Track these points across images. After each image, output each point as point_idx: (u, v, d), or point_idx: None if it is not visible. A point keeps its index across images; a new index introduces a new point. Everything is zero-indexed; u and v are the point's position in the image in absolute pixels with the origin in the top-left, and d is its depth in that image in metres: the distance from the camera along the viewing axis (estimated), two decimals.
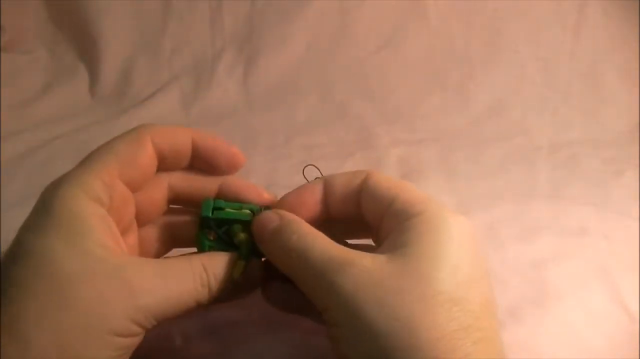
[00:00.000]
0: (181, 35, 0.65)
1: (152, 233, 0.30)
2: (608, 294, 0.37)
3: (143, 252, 0.30)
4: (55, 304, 0.22)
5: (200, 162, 0.30)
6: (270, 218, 0.27)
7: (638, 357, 0.33)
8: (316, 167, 0.32)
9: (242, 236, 0.28)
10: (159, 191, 0.30)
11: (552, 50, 0.66)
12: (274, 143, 0.55)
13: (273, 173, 0.50)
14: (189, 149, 0.29)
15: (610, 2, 0.66)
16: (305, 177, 0.32)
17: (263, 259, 0.29)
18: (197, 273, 0.26)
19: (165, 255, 0.31)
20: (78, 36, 0.65)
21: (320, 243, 0.25)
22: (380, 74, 0.65)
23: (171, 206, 0.31)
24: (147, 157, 0.28)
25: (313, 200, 0.29)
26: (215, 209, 0.29)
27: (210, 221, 0.28)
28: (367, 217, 0.29)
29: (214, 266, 0.26)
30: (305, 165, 0.32)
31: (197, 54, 0.65)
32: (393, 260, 0.24)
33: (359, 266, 0.24)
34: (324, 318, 0.24)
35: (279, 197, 0.30)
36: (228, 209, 0.29)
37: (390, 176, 0.29)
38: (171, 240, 0.31)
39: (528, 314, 0.35)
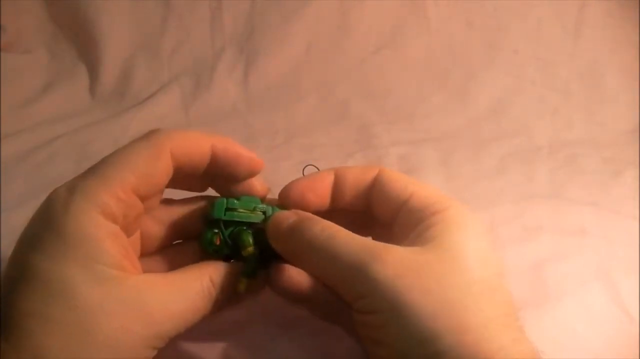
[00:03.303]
0: (181, 35, 0.65)
1: (153, 229, 0.30)
2: (608, 295, 0.37)
3: (144, 247, 0.29)
4: (80, 339, 0.22)
5: (218, 169, 0.28)
6: (286, 215, 0.27)
7: (638, 357, 0.33)
8: (316, 167, 0.32)
9: (250, 250, 0.27)
10: None
11: (552, 50, 0.66)
12: (274, 143, 0.55)
13: (273, 173, 0.49)
14: (207, 159, 0.28)
15: (611, 2, 0.66)
16: None
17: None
18: (206, 289, 0.26)
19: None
20: (78, 36, 0.65)
21: (346, 235, 0.25)
22: (380, 74, 0.65)
23: (173, 199, 0.31)
24: (164, 171, 0.26)
25: (323, 189, 0.29)
26: (227, 209, 0.28)
27: (220, 223, 0.28)
28: (377, 212, 0.29)
29: (221, 279, 0.26)
30: (305, 165, 0.32)
31: (197, 54, 0.65)
32: (427, 251, 0.24)
33: (394, 254, 0.24)
34: (354, 307, 0.24)
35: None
36: (240, 210, 0.28)
37: (401, 173, 0.29)
38: (172, 234, 0.30)
39: (527, 314, 0.35)
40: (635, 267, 0.39)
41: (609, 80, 0.64)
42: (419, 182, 0.28)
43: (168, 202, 0.31)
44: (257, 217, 0.28)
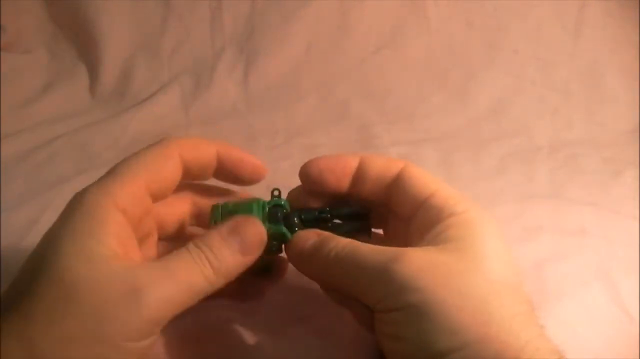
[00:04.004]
0: (181, 35, 0.65)
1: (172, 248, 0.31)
2: (608, 295, 0.37)
3: None
4: (62, 310, 0.22)
5: (224, 174, 0.31)
6: (308, 236, 0.28)
7: (638, 358, 0.33)
8: None
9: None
10: (182, 205, 0.31)
11: (552, 50, 0.66)
12: (274, 143, 0.55)
13: (273, 173, 0.49)
14: (214, 162, 0.30)
15: (611, 2, 0.66)
16: None
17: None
18: (192, 251, 0.25)
19: None
20: (78, 36, 0.65)
21: (367, 246, 0.26)
22: (380, 74, 0.65)
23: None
24: (174, 169, 0.28)
25: (343, 172, 0.30)
26: (225, 213, 0.29)
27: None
28: (396, 206, 0.29)
29: (206, 239, 0.26)
30: None
31: (197, 54, 0.65)
32: (446, 253, 0.25)
33: (415, 254, 0.24)
34: (377, 308, 0.25)
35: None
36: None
37: (425, 171, 0.29)
38: None
39: None
40: (635, 267, 0.39)
41: (609, 80, 0.64)
42: (442, 182, 0.29)
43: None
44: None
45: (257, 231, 0.27)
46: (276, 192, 0.30)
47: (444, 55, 0.66)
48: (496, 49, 0.66)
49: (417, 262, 0.24)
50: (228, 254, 0.26)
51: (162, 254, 0.30)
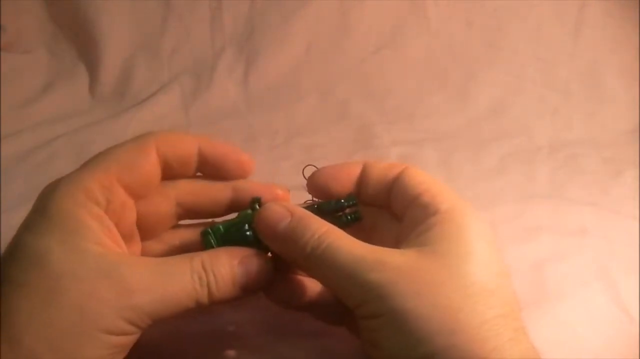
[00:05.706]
0: (181, 35, 0.65)
1: (157, 249, 0.30)
2: (608, 295, 0.37)
3: None
4: (46, 302, 0.22)
5: (209, 169, 0.30)
6: (279, 214, 0.27)
7: (638, 358, 0.33)
8: (316, 167, 0.32)
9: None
10: (165, 203, 0.30)
11: (552, 50, 0.66)
12: (274, 143, 0.55)
13: (273, 173, 0.50)
14: (195, 157, 0.29)
15: (611, 2, 0.66)
16: (305, 178, 0.32)
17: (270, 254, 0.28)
18: (196, 271, 0.25)
19: None
20: (78, 36, 0.65)
21: (344, 244, 0.25)
22: (380, 74, 0.65)
23: (180, 222, 0.31)
24: (149, 163, 0.27)
25: (348, 179, 0.30)
26: (219, 237, 0.28)
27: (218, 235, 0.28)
28: (395, 207, 0.29)
29: (214, 264, 0.26)
30: (305, 165, 0.32)
31: (197, 54, 0.65)
32: (424, 256, 0.24)
33: (391, 263, 0.24)
34: (356, 313, 0.25)
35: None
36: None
37: (426, 173, 0.29)
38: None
39: (527, 314, 0.35)
40: (635, 268, 0.39)
41: (609, 80, 0.64)
42: (437, 181, 0.28)
43: (176, 226, 0.31)
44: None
45: (264, 268, 0.27)
46: (257, 205, 0.29)
47: (444, 55, 0.66)
48: (496, 49, 0.66)
49: (392, 269, 0.24)
50: (230, 286, 0.26)
51: (145, 254, 0.30)
